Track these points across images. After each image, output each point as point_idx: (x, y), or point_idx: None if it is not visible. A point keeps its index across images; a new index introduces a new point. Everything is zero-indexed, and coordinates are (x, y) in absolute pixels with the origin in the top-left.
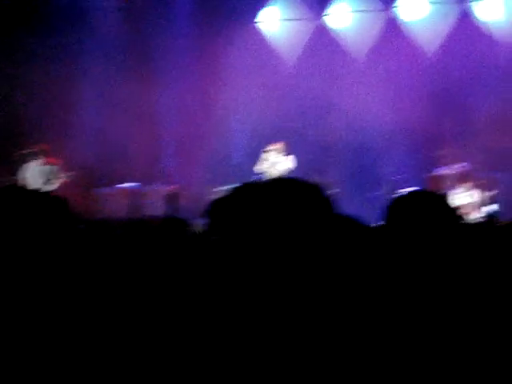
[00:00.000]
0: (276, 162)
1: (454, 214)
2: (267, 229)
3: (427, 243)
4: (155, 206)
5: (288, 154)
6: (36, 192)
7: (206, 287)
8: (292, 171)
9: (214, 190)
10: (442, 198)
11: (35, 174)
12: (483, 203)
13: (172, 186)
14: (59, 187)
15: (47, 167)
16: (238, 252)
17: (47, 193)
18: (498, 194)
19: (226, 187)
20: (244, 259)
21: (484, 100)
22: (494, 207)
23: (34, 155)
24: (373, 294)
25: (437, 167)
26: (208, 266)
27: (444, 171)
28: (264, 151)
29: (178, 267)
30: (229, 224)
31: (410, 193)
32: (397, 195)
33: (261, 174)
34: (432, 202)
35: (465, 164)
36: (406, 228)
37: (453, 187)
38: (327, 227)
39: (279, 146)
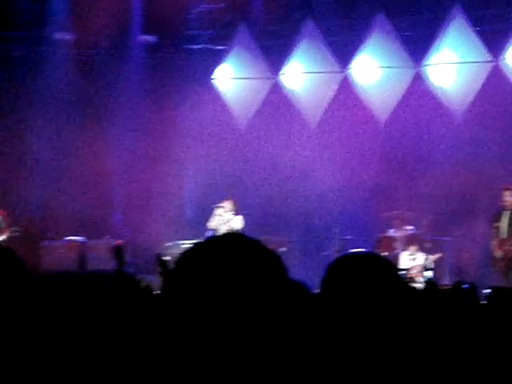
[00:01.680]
0: (228, 219)
1: (395, 277)
2: (222, 285)
3: (365, 307)
4: (102, 260)
5: (237, 212)
6: None
7: (153, 341)
8: (241, 230)
9: (165, 245)
10: (385, 261)
11: None
12: (426, 267)
13: (118, 240)
14: (5, 239)
15: None
16: (188, 307)
17: None
18: (442, 257)
19: (177, 242)
20: (193, 315)
21: (435, 164)
22: (430, 273)
23: None
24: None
25: (387, 229)
26: (157, 321)
27: (393, 233)
28: (216, 207)
29: (126, 322)
30: (187, 279)
31: (348, 255)
32: (337, 257)
33: (213, 230)
34: (372, 264)
35: (412, 227)
36: (342, 293)
37: (401, 249)
38: (277, 293)
39: (229, 203)
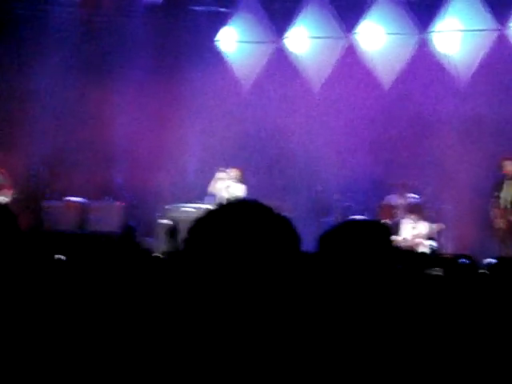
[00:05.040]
0: (229, 186)
1: (389, 245)
2: (235, 253)
3: (356, 275)
4: (102, 221)
5: (241, 181)
6: None
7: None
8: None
9: (166, 208)
10: (382, 229)
11: None
12: (428, 236)
13: (120, 203)
14: (5, 199)
15: None
16: (199, 273)
17: None
18: (445, 227)
19: (177, 205)
20: (205, 281)
21: (439, 131)
22: (433, 243)
23: None
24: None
25: (390, 196)
26: (164, 284)
27: (396, 200)
28: (219, 170)
29: (127, 283)
30: (201, 246)
31: (346, 223)
32: (337, 224)
33: (213, 195)
34: (368, 232)
35: (415, 195)
36: (335, 257)
37: (402, 217)
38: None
39: (235, 171)
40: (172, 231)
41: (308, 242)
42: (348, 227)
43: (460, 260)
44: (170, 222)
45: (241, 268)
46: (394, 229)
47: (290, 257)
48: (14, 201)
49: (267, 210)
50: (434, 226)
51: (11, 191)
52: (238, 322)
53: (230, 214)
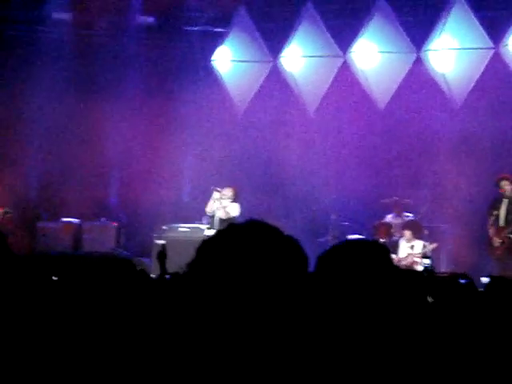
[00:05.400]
0: (224, 206)
1: (389, 264)
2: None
3: (356, 295)
4: (97, 242)
5: (236, 200)
6: None
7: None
8: (237, 217)
9: (163, 228)
10: (382, 248)
11: None
12: (425, 255)
13: (115, 223)
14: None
15: None
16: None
17: None
18: (439, 246)
19: (173, 226)
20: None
21: (434, 150)
22: (428, 261)
23: None
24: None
25: (385, 215)
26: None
27: (391, 220)
28: (216, 190)
29: (123, 305)
30: (210, 266)
31: (345, 242)
32: (335, 244)
33: (211, 214)
34: (368, 252)
35: (411, 214)
36: (335, 277)
37: (399, 236)
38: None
39: (229, 190)
40: (160, 254)
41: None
42: (348, 247)
43: (460, 280)
44: (160, 244)
45: (250, 288)
46: (391, 248)
47: (299, 277)
48: (5, 220)
49: (275, 230)
50: (429, 244)
51: (1, 210)
52: (247, 338)
53: (237, 235)
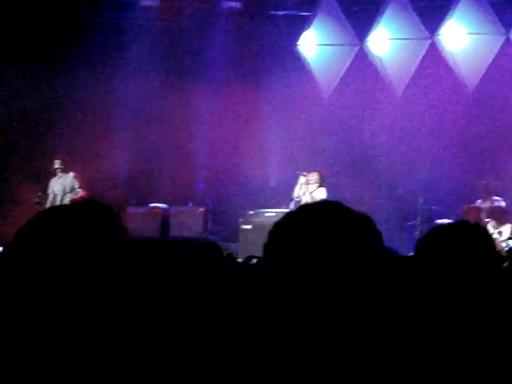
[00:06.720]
0: (312, 190)
1: (492, 247)
2: (318, 255)
3: (459, 278)
4: (184, 227)
5: (322, 184)
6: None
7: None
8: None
9: (249, 213)
10: (483, 231)
11: (61, 186)
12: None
13: (202, 208)
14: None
15: (69, 177)
16: (282, 278)
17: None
18: None
19: (260, 211)
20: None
21: None
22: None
23: (60, 169)
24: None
25: (474, 199)
26: (247, 291)
27: (480, 204)
28: (302, 175)
29: (211, 289)
30: (283, 248)
31: (453, 224)
32: (436, 225)
33: (298, 199)
34: (475, 235)
35: (500, 198)
36: (436, 261)
37: (488, 221)
38: (376, 261)
39: (315, 174)
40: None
41: (393, 245)
42: (449, 229)
43: None
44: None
45: (324, 268)
46: None
47: (374, 254)
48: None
49: (346, 209)
50: None
51: (84, 194)
52: (328, 321)
53: (309, 216)
